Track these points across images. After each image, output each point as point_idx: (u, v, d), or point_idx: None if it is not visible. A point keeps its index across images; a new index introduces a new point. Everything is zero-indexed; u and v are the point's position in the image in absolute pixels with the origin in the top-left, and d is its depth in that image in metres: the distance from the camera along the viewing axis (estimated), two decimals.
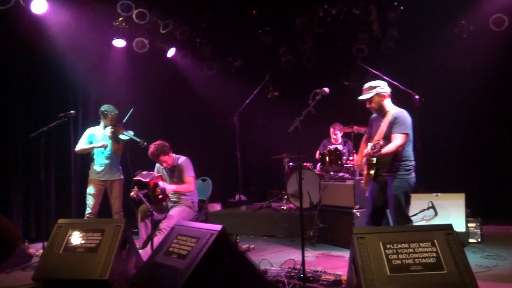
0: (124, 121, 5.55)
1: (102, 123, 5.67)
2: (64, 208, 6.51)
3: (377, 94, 4.06)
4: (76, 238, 3.64)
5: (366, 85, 4.13)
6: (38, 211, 6.04)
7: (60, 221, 3.83)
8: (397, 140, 3.87)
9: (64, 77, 6.54)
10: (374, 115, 4.24)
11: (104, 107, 5.62)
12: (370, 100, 4.09)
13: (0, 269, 4.31)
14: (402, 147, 3.88)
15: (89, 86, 7.02)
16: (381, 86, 4.09)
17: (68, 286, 3.41)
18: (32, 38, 6.02)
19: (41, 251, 4.78)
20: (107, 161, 5.59)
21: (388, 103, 4.10)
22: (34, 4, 5.58)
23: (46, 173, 5.57)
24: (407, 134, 3.91)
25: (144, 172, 4.95)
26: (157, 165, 5.40)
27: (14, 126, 6.01)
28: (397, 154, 3.93)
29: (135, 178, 4.83)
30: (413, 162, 4.01)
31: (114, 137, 5.52)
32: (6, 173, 5.91)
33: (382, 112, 4.09)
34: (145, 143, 5.25)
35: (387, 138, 3.93)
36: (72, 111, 5.33)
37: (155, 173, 5.13)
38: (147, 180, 4.75)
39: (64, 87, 6.62)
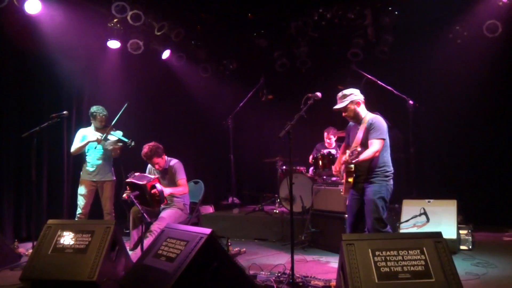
0: (118, 116, 5.51)
1: (92, 125, 5.65)
2: (55, 208, 6.48)
3: (351, 102, 4.10)
4: (65, 238, 3.62)
5: (340, 94, 4.17)
6: (29, 210, 6.01)
7: (50, 221, 3.81)
8: (374, 146, 3.92)
9: (58, 78, 6.52)
10: (351, 123, 4.29)
11: (93, 108, 5.59)
12: (345, 108, 4.13)
13: None
14: (379, 152, 3.92)
15: (83, 86, 6.99)
16: (355, 94, 4.14)
17: (56, 287, 3.39)
18: (25, 38, 5.99)
19: (30, 250, 4.75)
20: (99, 162, 5.55)
21: (362, 110, 4.15)
22: (28, 4, 5.55)
23: (38, 173, 5.58)
24: (383, 139, 3.95)
25: (137, 174, 4.91)
26: (149, 166, 5.38)
27: (6, 126, 5.99)
28: (375, 161, 3.97)
29: (128, 180, 4.79)
30: (391, 169, 4.05)
31: (104, 138, 5.48)
32: None
33: (357, 119, 4.14)
34: (133, 143, 5.25)
35: (364, 145, 3.98)
36: (65, 112, 5.32)
37: (148, 175, 5.08)
38: (144, 182, 4.68)
39: (58, 87, 6.60)
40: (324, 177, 6.36)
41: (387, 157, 4.03)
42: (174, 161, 5.25)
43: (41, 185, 6.29)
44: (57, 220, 3.87)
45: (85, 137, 5.58)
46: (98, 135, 5.48)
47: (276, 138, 3.71)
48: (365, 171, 4.01)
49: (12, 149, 6.03)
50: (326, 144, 7.17)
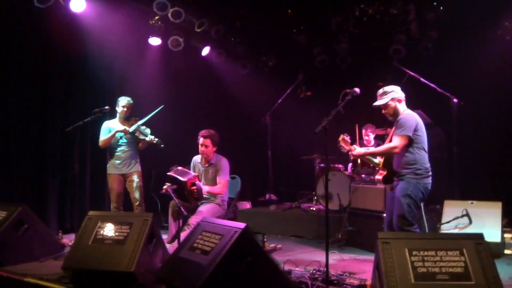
0: (150, 116, 5.56)
1: (117, 117, 5.68)
2: (98, 200, 6.69)
3: (392, 99, 4.05)
4: (105, 230, 3.71)
5: (380, 91, 4.12)
6: (73, 203, 6.23)
7: (91, 213, 3.92)
8: (393, 141, 3.91)
9: (101, 74, 6.70)
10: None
11: (120, 98, 5.66)
12: (385, 106, 4.08)
13: (34, 258, 4.48)
14: (399, 149, 3.87)
15: (124, 83, 7.16)
16: (396, 91, 4.08)
17: (95, 276, 3.48)
18: (70, 36, 6.19)
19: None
20: (123, 155, 5.57)
21: (402, 107, 4.08)
22: (73, 2, 5.74)
23: (81, 167, 5.74)
24: (406, 136, 3.87)
25: (180, 168, 4.94)
26: (193, 160, 5.45)
27: (52, 121, 6.21)
28: (404, 158, 3.92)
29: (169, 173, 4.85)
30: (426, 167, 3.95)
31: (132, 132, 5.51)
32: (43, 166, 6.12)
33: (396, 117, 4.07)
34: (162, 145, 5.28)
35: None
36: (106, 107, 5.44)
37: (190, 171, 5.14)
38: (185, 179, 4.72)
39: (101, 83, 6.78)
40: (363, 175, 6.25)
41: (420, 155, 3.93)
42: (222, 159, 5.31)
43: (84, 178, 6.49)
44: (98, 211, 3.97)
45: (109, 129, 5.59)
46: (124, 126, 5.51)
47: (313, 135, 3.69)
48: (398, 169, 3.99)
49: (57, 143, 6.25)
50: (364, 142, 7.05)
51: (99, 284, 3.43)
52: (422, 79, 6.18)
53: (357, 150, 4.22)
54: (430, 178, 3.98)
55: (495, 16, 6.67)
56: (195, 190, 4.78)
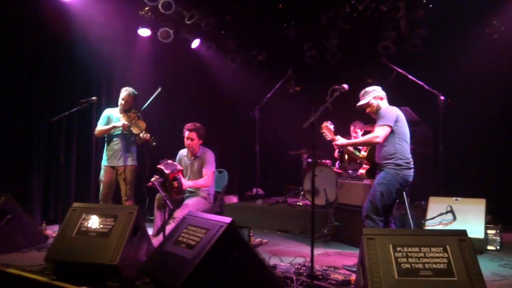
0: (149, 101, 5.52)
1: (118, 106, 5.62)
2: (83, 192, 6.65)
3: (374, 97, 4.17)
4: (89, 222, 3.68)
5: (362, 91, 4.25)
6: (57, 194, 6.18)
7: (75, 204, 3.88)
8: (375, 132, 4.01)
9: (89, 64, 6.64)
10: None
11: (124, 87, 5.60)
12: (367, 105, 4.19)
13: (17, 248, 4.44)
14: (381, 138, 3.95)
15: (113, 73, 7.11)
16: (377, 90, 4.21)
17: (78, 269, 3.46)
18: (58, 24, 6.12)
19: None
20: (117, 147, 5.49)
21: (384, 105, 4.18)
22: None
23: (66, 158, 5.68)
24: (387, 126, 3.95)
25: (169, 162, 4.95)
26: (179, 153, 5.44)
27: (38, 111, 6.15)
28: (386, 149, 4.00)
29: (159, 166, 4.84)
30: (406, 158, 4.01)
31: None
32: (28, 155, 6.05)
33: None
34: (154, 143, 5.26)
35: None
36: (94, 97, 5.38)
37: (177, 164, 5.12)
38: (167, 172, 4.75)
39: (88, 73, 6.72)
40: (350, 171, 6.28)
41: (401, 145, 4.01)
42: (207, 151, 5.29)
43: (69, 169, 6.43)
44: (82, 203, 3.93)
45: (109, 116, 5.55)
46: (123, 120, 5.46)
47: (301, 130, 3.69)
48: (380, 162, 4.07)
49: (42, 133, 6.18)
50: (352, 138, 7.07)
51: (82, 277, 3.40)
52: (410, 76, 6.22)
53: (341, 140, 4.27)
54: (412, 170, 4.06)
55: (484, 15, 6.72)
56: (175, 185, 4.80)
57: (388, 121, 3.96)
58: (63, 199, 5.81)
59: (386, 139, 3.98)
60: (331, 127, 4.33)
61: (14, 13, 5.78)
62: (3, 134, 5.78)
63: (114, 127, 5.44)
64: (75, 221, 3.71)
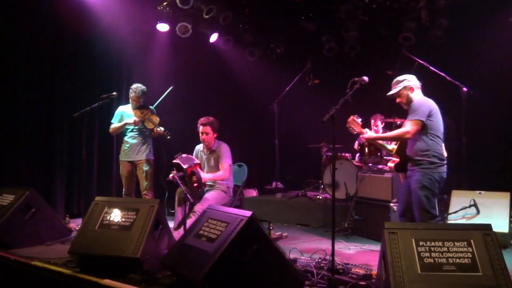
0: (161, 99, 5.56)
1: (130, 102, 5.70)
2: (104, 186, 6.74)
3: (404, 87, 3.99)
4: (111, 215, 3.72)
5: (394, 81, 4.08)
6: (80, 188, 6.27)
7: (97, 198, 3.92)
8: (405, 126, 3.85)
9: (109, 60, 6.72)
10: None
11: (132, 86, 5.62)
12: (397, 94, 4.03)
13: (41, 241, 4.53)
14: (411, 134, 3.81)
15: (132, 69, 7.17)
16: (408, 79, 4.01)
17: (101, 262, 3.50)
18: (78, 21, 6.21)
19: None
20: (134, 141, 5.58)
21: (416, 96, 4.01)
22: None
23: (88, 152, 5.77)
24: (417, 121, 3.79)
25: (184, 155, 5.01)
26: (196, 148, 5.46)
27: (60, 106, 6.26)
28: (416, 145, 3.85)
29: (175, 161, 4.90)
30: (439, 155, 3.86)
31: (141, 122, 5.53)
32: (51, 150, 6.17)
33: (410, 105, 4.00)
34: (169, 137, 5.29)
35: None
36: (114, 93, 5.47)
37: (194, 158, 5.17)
38: (185, 166, 4.81)
39: (109, 69, 6.81)
40: (370, 164, 6.22)
41: (435, 141, 3.84)
42: (222, 144, 5.31)
43: (91, 163, 6.54)
44: (104, 197, 3.97)
45: (122, 114, 5.64)
46: (135, 116, 5.51)
47: (321, 123, 3.64)
48: (411, 158, 3.90)
49: (65, 128, 6.30)
50: (373, 131, 7.00)
51: (105, 269, 3.44)
52: (431, 67, 6.11)
53: (369, 133, 4.17)
54: (445, 167, 3.90)
55: (507, 3, 6.53)
56: (194, 178, 4.83)
57: (420, 115, 3.79)
58: (86, 193, 5.89)
59: (418, 134, 3.83)
60: (359, 120, 4.22)
61: (36, 11, 5.87)
62: (27, 130, 5.90)
63: (126, 124, 5.54)
64: (98, 214, 3.75)
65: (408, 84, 3.99)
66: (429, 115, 3.83)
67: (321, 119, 3.57)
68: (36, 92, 6.00)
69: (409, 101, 3.99)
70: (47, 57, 6.13)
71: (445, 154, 3.96)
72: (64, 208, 6.21)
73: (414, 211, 3.84)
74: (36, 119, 6.00)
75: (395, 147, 4.20)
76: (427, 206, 3.76)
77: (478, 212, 5.16)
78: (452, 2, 6.75)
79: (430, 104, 3.90)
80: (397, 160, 4.16)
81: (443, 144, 3.96)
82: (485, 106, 6.68)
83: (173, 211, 5.38)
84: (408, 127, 3.82)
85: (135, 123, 5.49)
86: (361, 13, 7.28)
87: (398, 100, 4.08)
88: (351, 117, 4.22)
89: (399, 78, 4.05)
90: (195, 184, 4.85)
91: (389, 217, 5.14)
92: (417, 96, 4.01)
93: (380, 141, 4.33)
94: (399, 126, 6.19)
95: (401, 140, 4.00)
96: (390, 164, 4.25)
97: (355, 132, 4.21)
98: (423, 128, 3.82)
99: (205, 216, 3.46)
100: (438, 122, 3.90)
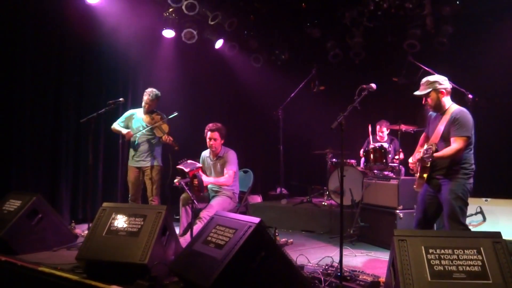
0: (169, 118, 5.56)
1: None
2: (110, 191, 6.74)
3: (435, 90, 3.81)
4: (119, 221, 3.72)
5: (424, 80, 3.91)
6: (85, 193, 6.27)
7: (105, 204, 3.92)
8: (456, 144, 3.64)
9: (115, 66, 6.74)
10: (431, 113, 4.02)
11: (147, 89, 5.63)
12: (427, 95, 3.85)
13: (48, 247, 4.53)
14: (462, 151, 3.65)
15: (138, 75, 7.20)
16: (440, 82, 3.84)
17: (109, 268, 3.50)
18: (85, 27, 6.23)
19: (86, 231, 4.96)
20: (142, 147, 5.57)
21: (447, 101, 3.85)
22: None
23: (94, 158, 5.78)
24: (467, 137, 3.66)
25: (189, 161, 5.02)
26: (202, 155, 5.47)
27: (66, 112, 6.27)
28: (456, 158, 3.70)
29: (178, 166, 4.91)
30: (473, 166, 3.78)
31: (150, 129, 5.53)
32: (57, 156, 6.18)
33: (439, 109, 3.87)
34: (176, 148, 5.26)
35: (445, 139, 3.74)
36: (121, 99, 5.51)
37: (197, 163, 5.17)
38: (187, 170, 4.83)
39: (115, 75, 6.83)
40: (376, 171, 6.22)
41: (470, 154, 3.77)
42: (229, 151, 5.32)
43: (97, 169, 6.54)
44: (112, 203, 3.96)
45: (130, 116, 5.66)
46: (145, 121, 5.53)
47: (326, 130, 3.61)
48: (444, 167, 3.77)
49: (71, 134, 6.31)
50: (378, 138, 7.01)
51: (112, 275, 3.44)
52: (436, 74, 6.09)
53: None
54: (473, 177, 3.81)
55: (511, 10, 6.54)
56: (196, 182, 4.84)
57: (469, 131, 3.67)
58: (91, 198, 5.90)
59: None
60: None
61: (43, 16, 5.90)
62: (33, 135, 5.91)
63: (122, 134, 5.55)
64: (105, 220, 3.75)
65: (440, 87, 3.82)
66: (473, 129, 3.75)
67: (329, 126, 3.57)
68: (42, 97, 6.01)
69: (438, 105, 3.85)
70: (54, 63, 6.15)
71: None
72: (69, 214, 6.21)
73: (446, 222, 3.72)
74: (42, 125, 6.01)
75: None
76: (461, 217, 3.67)
77: (484, 219, 5.15)
78: (457, 9, 6.77)
79: (471, 118, 3.78)
80: (428, 170, 3.86)
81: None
82: (490, 113, 6.67)
83: (177, 216, 5.38)
84: (460, 144, 3.65)
85: (127, 138, 5.49)
86: (366, 20, 7.31)
87: (424, 101, 3.92)
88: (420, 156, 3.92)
89: (430, 78, 3.89)
90: (196, 188, 4.86)
91: (395, 224, 5.13)
92: (448, 101, 3.87)
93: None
94: (405, 133, 6.23)
95: (456, 157, 3.73)
96: (424, 175, 3.87)
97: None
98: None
99: (213, 222, 3.46)
100: (474, 134, 3.81)
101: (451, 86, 3.91)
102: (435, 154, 3.63)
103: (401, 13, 7.05)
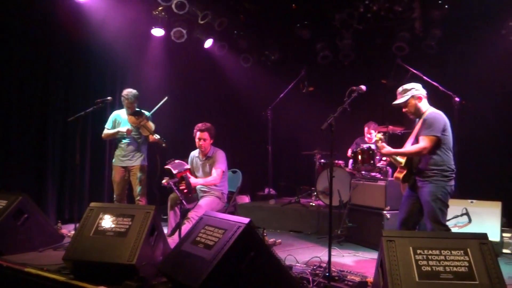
0: (156, 108, 5.52)
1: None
2: (97, 191, 6.69)
3: (412, 96, 3.92)
4: (106, 222, 3.69)
5: (400, 89, 4.01)
6: (72, 193, 6.21)
7: (92, 204, 3.88)
8: (422, 142, 3.77)
9: (103, 64, 6.69)
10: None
11: (124, 92, 5.51)
12: (405, 104, 3.96)
13: (34, 247, 4.46)
14: (427, 150, 3.74)
15: (127, 73, 7.15)
16: (416, 88, 3.95)
17: (96, 268, 3.47)
18: (73, 25, 6.17)
19: (73, 232, 4.91)
20: (128, 147, 5.52)
21: (424, 105, 3.96)
22: None
23: (81, 157, 5.71)
24: (434, 137, 3.74)
25: (177, 161, 4.99)
26: (191, 154, 5.45)
27: (53, 111, 6.20)
28: (433, 160, 3.78)
29: (166, 166, 4.88)
30: (452, 168, 3.84)
31: (135, 130, 5.49)
32: (44, 155, 6.11)
33: (419, 115, 3.96)
34: (164, 145, 5.12)
35: (418, 140, 3.86)
36: (109, 98, 5.45)
37: (185, 163, 5.14)
38: (175, 172, 4.80)
39: (103, 74, 6.77)
40: (363, 172, 6.26)
41: (448, 156, 3.81)
42: (218, 150, 5.32)
43: (84, 168, 6.48)
44: (99, 203, 3.93)
45: (116, 118, 5.58)
46: (130, 122, 5.45)
47: (315, 130, 3.63)
48: (422, 169, 3.84)
49: (58, 133, 6.24)
50: (366, 139, 7.05)
51: (100, 276, 3.41)
52: (424, 77, 6.17)
53: (387, 148, 4.05)
54: (454, 179, 3.87)
55: (500, 16, 6.63)
56: (183, 184, 4.81)
57: (436, 131, 3.75)
58: (78, 198, 5.85)
59: (432, 149, 3.79)
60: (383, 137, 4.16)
61: (30, 13, 5.83)
62: (19, 134, 5.83)
63: (119, 132, 5.48)
64: (93, 220, 3.71)
65: (416, 93, 3.92)
66: (443, 130, 3.80)
67: (318, 127, 3.59)
68: (29, 96, 5.94)
69: (417, 111, 3.94)
70: (41, 61, 6.07)
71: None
72: (55, 214, 6.13)
73: (427, 223, 3.80)
74: (28, 123, 5.94)
75: (403, 161, 4.08)
76: (441, 218, 3.73)
77: (470, 220, 5.22)
78: (446, 14, 6.83)
79: (444, 118, 3.86)
80: (404, 171, 4.02)
81: (453, 157, 3.91)
82: (476, 116, 6.77)
83: (165, 216, 5.35)
84: (425, 143, 3.75)
85: (127, 133, 5.42)
86: (356, 22, 7.34)
87: (404, 109, 4.00)
88: (380, 135, 4.13)
89: (406, 86, 3.97)
90: (185, 190, 4.83)
91: (383, 224, 5.17)
92: (425, 106, 3.96)
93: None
94: (393, 135, 6.27)
95: (419, 156, 3.88)
96: (397, 175, 4.08)
97: (378, 144, 4.10)
98: (438, 143, 3.78)
99: (202, 222, 3.45)
100: (450, 135, 3.87)
101: (426, 92, 4.01)
102: (399, 150, 3.89)
103: (390, 16, 7.09)
